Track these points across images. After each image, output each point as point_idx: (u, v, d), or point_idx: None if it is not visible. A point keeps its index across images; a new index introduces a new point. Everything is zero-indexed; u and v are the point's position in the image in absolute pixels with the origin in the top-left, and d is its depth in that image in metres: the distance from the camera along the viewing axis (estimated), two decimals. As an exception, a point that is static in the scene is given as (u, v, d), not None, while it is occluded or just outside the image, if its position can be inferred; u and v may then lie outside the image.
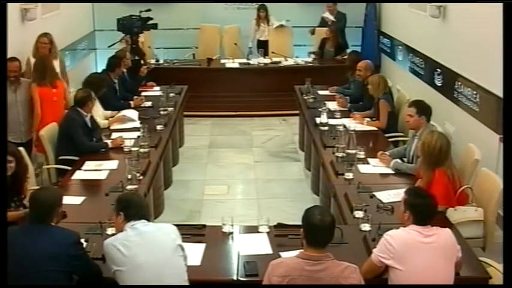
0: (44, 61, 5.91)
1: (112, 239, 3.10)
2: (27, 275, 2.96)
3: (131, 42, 7.94)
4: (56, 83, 5.98)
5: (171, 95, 6.96)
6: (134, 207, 3.19)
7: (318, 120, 5.90)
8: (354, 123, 5.80)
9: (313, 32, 9.41)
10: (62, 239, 3.06)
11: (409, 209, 3.24)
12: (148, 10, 8.07)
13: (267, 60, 8.94)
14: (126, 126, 5.86)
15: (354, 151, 4.95)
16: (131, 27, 7.94)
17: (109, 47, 8.08)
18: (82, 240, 3.30)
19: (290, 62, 8.95)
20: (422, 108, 4.93)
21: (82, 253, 3.16)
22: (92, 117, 5.48)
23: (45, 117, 5.75)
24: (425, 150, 4.16)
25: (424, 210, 3.21)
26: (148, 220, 3.22)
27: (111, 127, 5.89)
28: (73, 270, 3.05)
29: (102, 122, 5.86)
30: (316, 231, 2.92)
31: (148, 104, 6.69)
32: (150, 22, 8.12)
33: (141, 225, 3.13)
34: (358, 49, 9.09)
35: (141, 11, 8.06)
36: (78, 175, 4.70)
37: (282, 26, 9.35)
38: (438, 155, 4.13)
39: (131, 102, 6.59)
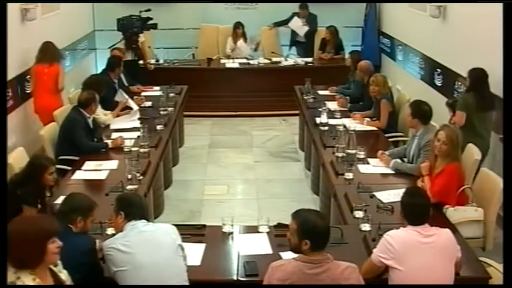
0: (48, 44, 6.52)
1: (111, 241, 3.10)
2: None
3: (131, 43, 7.95)
4: (53, 65, 6.50)
5: (171, 95, 6.95)
6: (134, 207, 3.19)
7: (318, 120, 5.89)
8: (354, 123, 5.79)
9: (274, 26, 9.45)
10: (80, 246, 3.07)
11: (401, 208, 3.28)
12: (148, 10, 8.07)
13: (267, 60, 8.94)
14: (126, 126, 5.86)
15: (354, 151, 4.94)
16: (131, 27, 7.94)
17: (110, 48, 8.09)
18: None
19: (290, 62, 8.95)
20: (417, 111, 4.87)
21: (95, 260, 3.16)
22: (93, 118, 5.49)
23: (36, 93, 6.49)
24: (452, 142, 4.14)
25: (413, 209, 3.21)
26: (148, 220, 3.22)
27: (112, 125, 5.90)
28: (84, 274, 3.03)
29: (104, 118, 5.89)
30: (323, 237, 2.90)
31: (148, 104, 6.69)
32: (150, 22, 8.12)
33: (141, 225, 3.13)
34: (358, 49, 9.08)
35: (141, 11, 8.06)
36: (78, 175, 4.69)
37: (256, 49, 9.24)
38: (460, 146, 4.19)
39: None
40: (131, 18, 8.02)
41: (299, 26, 9.24)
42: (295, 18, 9.25)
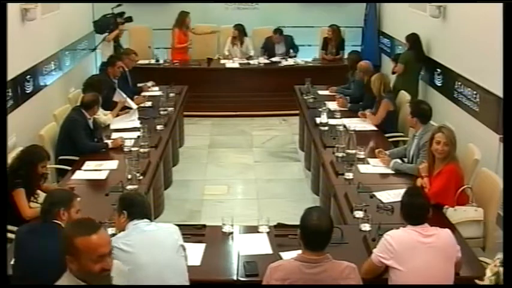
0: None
1: (113, 240, 3.09)
2: (34, 276, 2.95)
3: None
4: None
5: (171, 95, 6.96)
6: (137, 206, 3.19)
7: (318, 120, 5.90)
8: (361, 122, 5.84)
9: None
10: None
11: (401, 208, 3.30)
12: (119, 5, 8.16)
13: (267, 60, 8.94)
14: (126, 126, 5.86)
15: (354, 151, 4.95)
16: (107, 26, 8.02)
17: (95, 47, 8.16)
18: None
19: (290, 62, 8.95)
20: (416, 110, 4.90)
21: None
22: (93, 118, 5.49)
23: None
24: (452, 143, 4.14)
25: (413, 209, 3.21)
26: (150, 220, 3.22)
27: (112, 125, 5.90)
28: None
29: (104, 118, 5.89)
30: (313, 236, 2.89)
31: (148, 104, 6.69)
32: (125, 16, 8.23)
33: (143, 224, 3.13)
34: (358, 49, 9.08)
35: (112, 8, 8.14)
36: (78, 175, 4.69)
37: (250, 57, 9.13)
38: (456, 145, 4.18)
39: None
40: (106, 18, 8.10)
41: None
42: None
